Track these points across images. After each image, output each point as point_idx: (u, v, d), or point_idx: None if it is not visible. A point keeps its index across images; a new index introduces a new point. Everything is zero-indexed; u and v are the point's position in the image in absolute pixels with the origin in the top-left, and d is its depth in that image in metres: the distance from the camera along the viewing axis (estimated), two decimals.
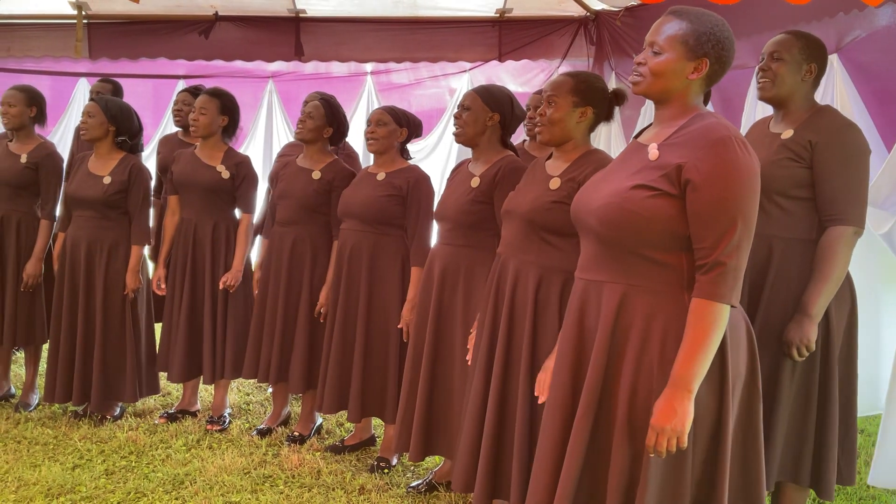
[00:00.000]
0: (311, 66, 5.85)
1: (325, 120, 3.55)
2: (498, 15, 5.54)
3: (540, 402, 2.21)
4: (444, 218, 2.90)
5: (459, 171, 2.99)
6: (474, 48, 5.66)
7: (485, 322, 2.60)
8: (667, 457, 1.79)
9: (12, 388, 4.14)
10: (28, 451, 3.41)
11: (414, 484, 3.17)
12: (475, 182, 2.81)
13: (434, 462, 3.41)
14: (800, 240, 2.49)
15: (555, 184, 2.41)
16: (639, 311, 1.85)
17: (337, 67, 5.84)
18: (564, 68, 5.48)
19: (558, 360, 2.06)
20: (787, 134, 2.51)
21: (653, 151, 1.87)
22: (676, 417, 1.74)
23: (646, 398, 1.82)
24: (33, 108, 3.89)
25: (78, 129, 4.55)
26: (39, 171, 3.85)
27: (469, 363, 2.71)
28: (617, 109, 2.51)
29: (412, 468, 3.40)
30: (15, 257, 3.83)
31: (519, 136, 3.37)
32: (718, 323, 1.76)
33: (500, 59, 5.65)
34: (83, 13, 5.54)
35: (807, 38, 2.53)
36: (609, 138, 4.87)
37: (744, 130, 3.06)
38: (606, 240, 1.91)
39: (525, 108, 3.81)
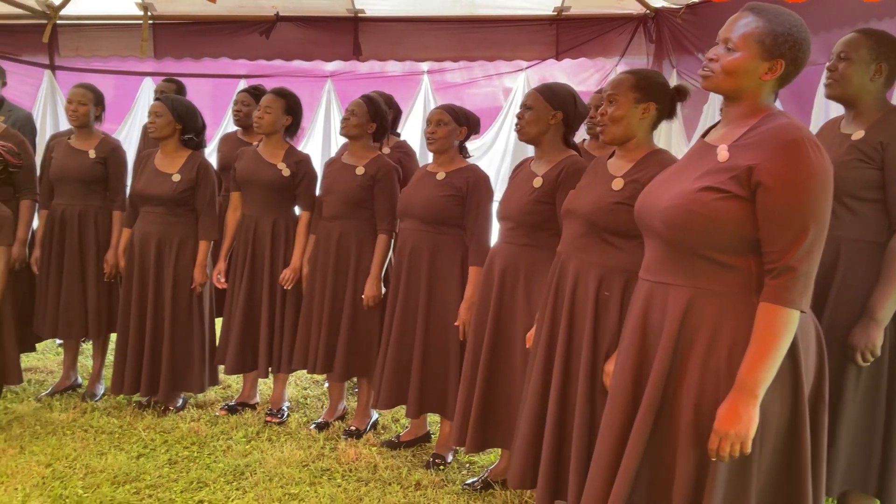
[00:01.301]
0: (367, 66, 5.90)
1: (368, 117, 3.59)
2: (556, 13, 5.51)
3: None
4: (506, 217, 2.90)
5: (521, 169, 2.99)
6: (531, 47, 5.63)
7: (543, 321, 2.59)
8: (731, 462, 1.76)
9: (79, 378, 4.28)
10: (95, 439, 3.53)
11: (470, 481, 3.19)
12: (537, 182, 2.80)
13: (489, 460, 3.42)
14: (868, 242, 2.43)
15: (618, 184, 2.38)
16: (706, 315, 1.82)
17: (393, 66, 5.89)
18: (622, 67, 5.42)
19: (619, 361, 2.04)
20: (858, 135, 2.45)
21: (722, 153, 1.83)
22: (741, 423, 1.71)
23: (713, 403, 1.79)
24: (98, 106, 4.02)
25: (145, 128, 4.68)
26: (108, 165, 3.97)
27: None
28: (679, 108, 2.47)
29: (467, 465, 3.41)
30: (95, 251, 3.96)
31: (579, 136, 3.35)
32: (787, 328, 1.72)
33: (557, 57, 5.62)
34: (149, 14, 5.68)
35: (877, 37, 2.45)
36: (670, 137, 4.80)
37: (814, 128, 3.00)
38: (672, 242, 1.88)
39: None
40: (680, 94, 2.41)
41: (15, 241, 3.71)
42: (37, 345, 4.32)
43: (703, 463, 1.81)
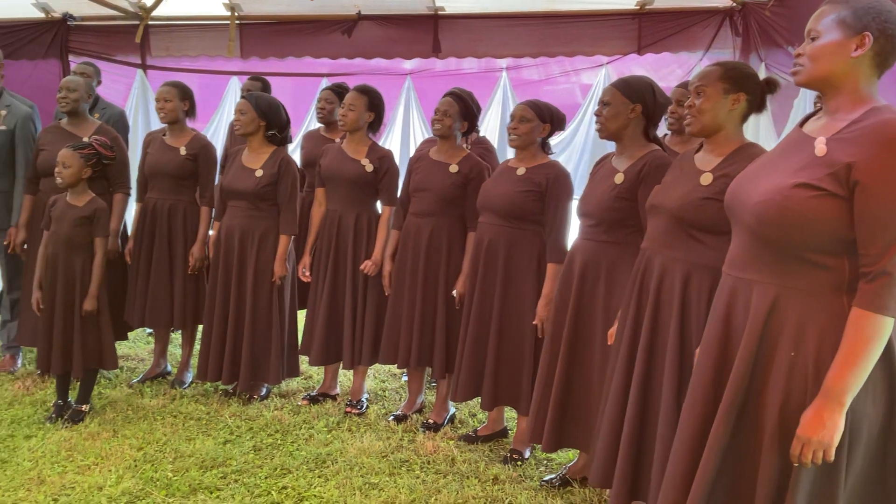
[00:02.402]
0: (446, 64, 5.93)
1: (460, 115, 3.61)
2: (638, 7, 5.42)
3: None
4: (587, 214, 2.87)
5: (603, 165, 2.95)
6: (612, 41, 5.56)
7: (626, 318, 2.56)
8: (817, 467, 1.71)
9: (169, 366, 4.44)
10: (183, 425, 3.66)
11: (548, 478, 3.17)
12: (619, 178, 2.76)
13: (568, 457, 3.40)
14: None
15: (706, 179, 2.32)
16: (792, 314, 1.77)
17: (471, 63, 5.90)
18: (707, 61, 5.30)
19: (700, 358, 2.01)
20: None
21: (820, 146, 1.75)
22: (825, 430, 1.66)
23: (800, 406, 1.74)
24: (186, 101, 4.15)
25: (231, 125, 4.82)
26: (198, 161, 4.11)
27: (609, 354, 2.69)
28: (768, 103, 2.40)
29: (545, 461, 3.40)
30: (183, 245, 4.11)
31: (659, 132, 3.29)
32: (879, 336, 1.65)
33: (639, 52, 5.53)
34: (236, 14, 5.85)
35: None
36: (758, 133, 4.67)
37: None
38: (762, 238, 1.83)
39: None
40: (770, 86, 2.34)
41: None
42: (129, 334, 4.51)
43: (788, 466, 1.77)
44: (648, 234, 2.52)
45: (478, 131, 4.37)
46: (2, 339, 4.48)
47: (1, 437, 3.44)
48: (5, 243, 4.23)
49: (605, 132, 2.84)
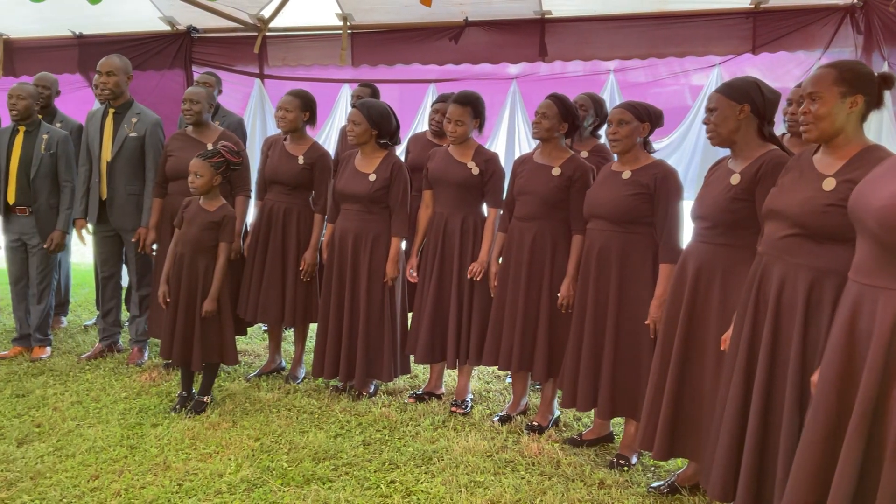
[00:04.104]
0: (551, 67, 5.92)
1: (559, 117, 3.60)
2: (753, 6, 5.26)
3: None
4: (702, 216, 2.81)
5: (718, 167, 2.89)
6: (725, 41, 5.40)
7: (743, 325, 2.49)
8: None
9: (283, 361, 4.63)
10: (297, 418, 3.81)
11: (655, 484, 3.13)
12: (735, 179, 2.70)
13: (676, 465, 3.34)
14: None
15: (829, 184, 2.24)
16: None
17: (575, 66, 5.86)
18: (825, 61, 5.08)
19: (825, 365, 1.96)
20: None
21: None
22: None
23: None
24: (307, 112, 4.31)
25: (343, 131, 4.99)
26: (314, 170, 4.27)
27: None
28: (888, 98, 2.29)
29: (652, 468, 3.35)
30: (296, 247, 4.28)
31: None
32: None
33: (754, 51, 5.36)
34: (348, 24, 6.03)
35: None
36: (881, 130, 4.45)
37: None
38: (886, 244, 1.77)
39: (787, 102, 3.61)
40: (886, 81, 2.25)
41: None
42: (247, 329, 4.73)
43: None
44: (766, 238, 2.45)
45: (598, 136, 4.35)
46: (130, 333, 4.79)
47: (130, 424, 3.68)
48: (134, 240, 4.53)
49: (717, 138, 2.78)
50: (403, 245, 4.13)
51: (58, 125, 5.07)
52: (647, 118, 3.29)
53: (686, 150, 5.57)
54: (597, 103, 4.26)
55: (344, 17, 6.00)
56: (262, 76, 6.49)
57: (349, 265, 4.00)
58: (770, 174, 2.60)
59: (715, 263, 2.76)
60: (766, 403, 2.38)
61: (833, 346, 1.92)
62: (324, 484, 3.09)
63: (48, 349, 4.81)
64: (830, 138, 2.28)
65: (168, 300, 3.82)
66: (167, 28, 6.46)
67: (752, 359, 2.43)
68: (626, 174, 3.28)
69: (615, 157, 3.41)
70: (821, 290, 2.26)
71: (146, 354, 4.75)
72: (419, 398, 4.11)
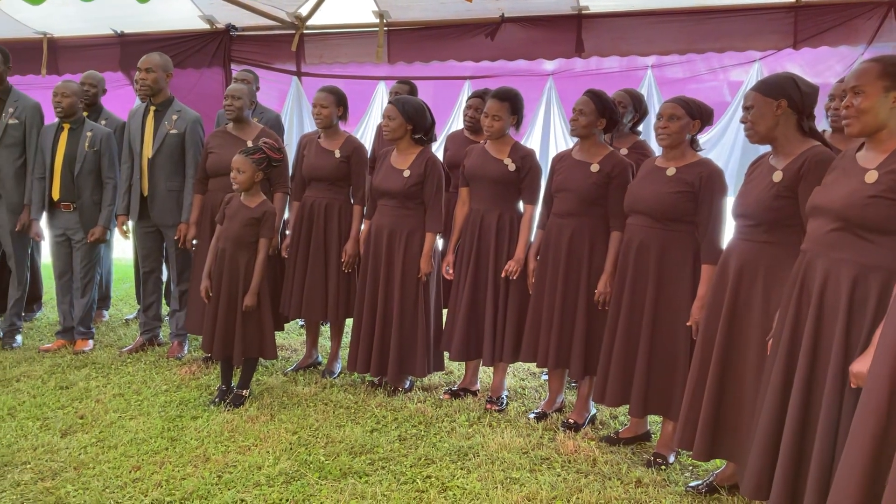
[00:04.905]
0: (587, 63, 5.87)
1: (596, 113, 3.58)
2: (794, 0, 5.18)
3: None
4: (744, 214, 2.77)
5: (760, 164, 2.85)
6: (766, 36, 5.31)
7: (784, 322, 2.46)
8: None
9: (319, 356, 4.67)
10: (334, 412, 3.84)
11: (693, 484, 3.10)
12: (777, 176, 2.66)
13: (714, 464, 3.30)
14: None
15: (871, 177, 2.22)
16: None
17: (612, 62, 5.81)
18: (869, 55, 4.97)
19: (876, 362, 1.92)
20: None
21: None
22: None
23: None
24: (340, 107, 4.34)
25: (379, 127, 5.01)
26: (351, 163, 4.30)
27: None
28: None
29: (690, 467, 3.32)
30: (338, 242, 4.31)
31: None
32: None
33: (795, 46, 5.26)
34: (384, 21, 6.05)
35: None
36: None
37: None
38: None
39: (829, 98, 3.55)
40: None
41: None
42: (284, 325, 4.78)
43: None
44: (809, 235, 2.42)
45: (638, 133, 4.32)
46: (170, 327, 4.87)
47: (171, 416, 3.74)
48: (175, 238, 4.60)
49: (755, 136, 2.75)
50: (439, 241, 4.14)
51: (103, 122, 5.18)
52: (699, 115, 3.26)
53: (725, 147, 5.50)
54: (636, 99, 4.23)
55: (380, 15, 6.01)
56: (299, 74, 6.53)
57: (384, 260, 4.02)
58: (813, 170, 2.56)
59: (758, 261, 2.72)
60: (806, 401, 2.35)
61: (883, 347, 1.89)
62: (360, 478, 3.12)
63: (91, 342, 4.91)
64: (873, 132, 2.26)
65: (210, 295, 3.87)
66: (207, 26, 6.53)
67: (793, 357, 2.40)
68: (671, 171, 3.24)
69: (656, 153, 3.38)
70: (865, 287, 2.23)
71: (186, 348, 4.82)
72: (454, 394, 4.11)
